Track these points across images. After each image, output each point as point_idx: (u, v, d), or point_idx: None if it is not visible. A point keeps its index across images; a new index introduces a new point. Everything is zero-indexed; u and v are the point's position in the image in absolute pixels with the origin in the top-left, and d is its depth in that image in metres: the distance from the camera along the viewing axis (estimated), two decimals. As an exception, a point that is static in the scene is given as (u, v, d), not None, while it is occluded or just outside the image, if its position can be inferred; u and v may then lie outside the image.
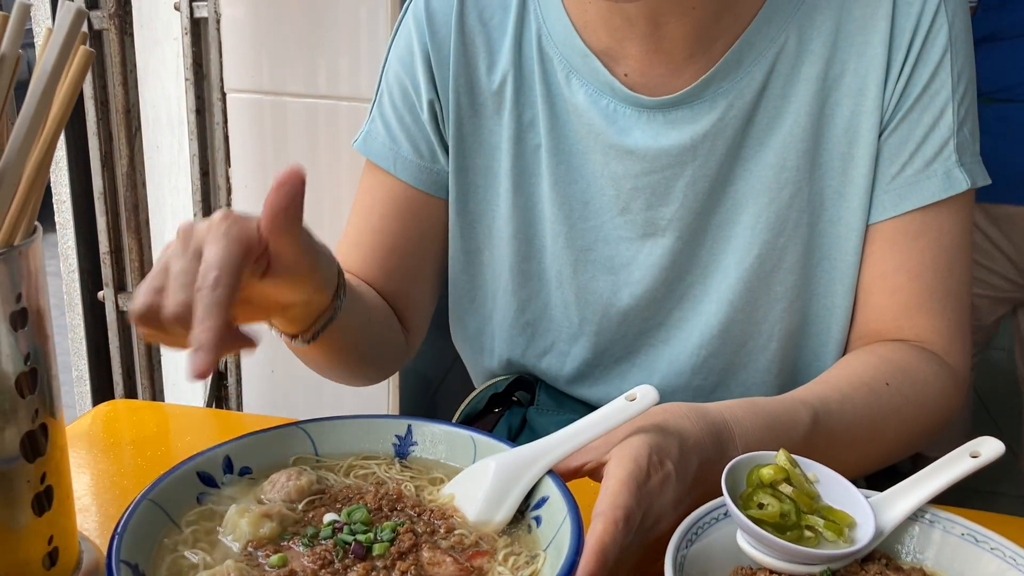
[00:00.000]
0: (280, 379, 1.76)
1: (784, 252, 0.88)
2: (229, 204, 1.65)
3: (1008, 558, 0.59)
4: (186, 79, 1.58)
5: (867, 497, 0.63)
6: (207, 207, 1.68)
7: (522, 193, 0.92)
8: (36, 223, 0.59)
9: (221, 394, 1.86)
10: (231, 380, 1.85)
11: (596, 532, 0.56)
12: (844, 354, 0.90)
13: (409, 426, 0.71)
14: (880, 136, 0.85)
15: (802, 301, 0.90)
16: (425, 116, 0.93)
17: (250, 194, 1.57)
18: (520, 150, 0.91)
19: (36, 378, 0.58)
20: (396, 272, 0.96)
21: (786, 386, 0.92)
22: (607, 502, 0.58)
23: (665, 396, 0.67)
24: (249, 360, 1.78)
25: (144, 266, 1.75)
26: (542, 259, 0.94)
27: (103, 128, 1.67)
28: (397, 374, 1.66)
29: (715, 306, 0.90)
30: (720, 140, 0.86)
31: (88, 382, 2.03)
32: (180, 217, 1.74)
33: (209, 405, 1.80)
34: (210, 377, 1.84)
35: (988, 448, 0.64)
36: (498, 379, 1.04)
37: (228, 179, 1.63)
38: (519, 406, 1.02)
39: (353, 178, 1.49)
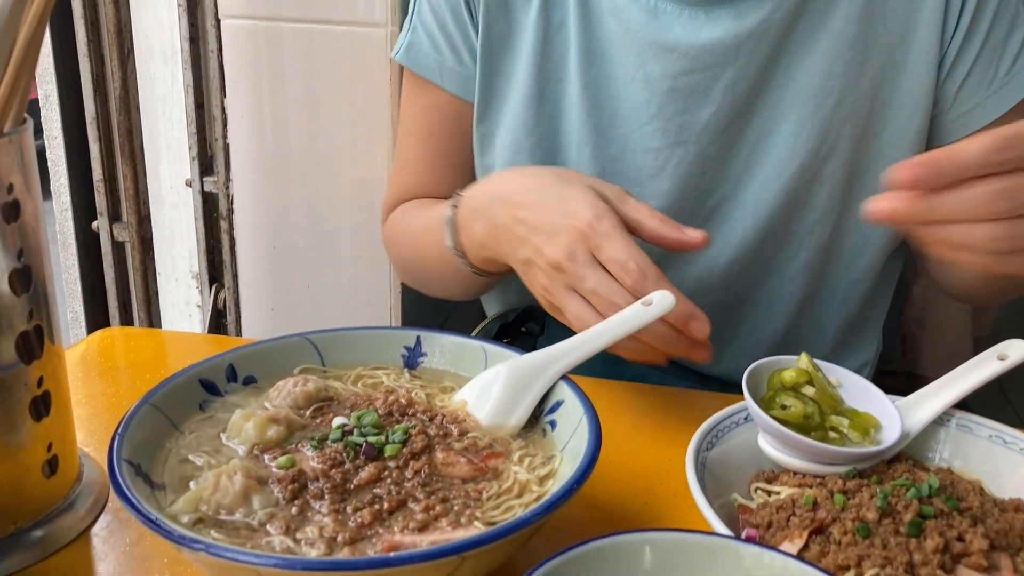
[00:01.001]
0: (279, 317, 1.74)
1: (825, 162, 0.86)
2: (225, 136, 1.61)
3: (1038, 459, 0.58)
4: (179, 4, 1.53)
5: (892, 402, 0.61)
6: (202, 139, 1.64)
7: (547, 101, 0.89)
8: (26, 115, 0.56)
9: (220, 333, 1.84)
10: (231, 318, 1.83)
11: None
12: (888, 262, 0.92)
13: (418, 337, 0.70)
14: (946, 45, 0.83)
15: (836, 213, 0.88)
16: (464, 12, 0.90)
17: (246, 125, 1.53)
18: (547, 54, 0.88)
19: (29, 276, 0.56)
20: (457, 187, 0.93)
21: (812, 296, 0.91)
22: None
23: None
24: (248, 297, 1.76)
25: (139, 194, 1.71)
26: None
27: (94, 50, 1.62)
28: (399, 318, 1.64)
29: (750, 220, 0.88)
30: (764, 41, 0.84)
31: (84, 323, 2.01)
32: (175, 150, 1.71)
33: (208, 342, 1.79)
34: (208, 315, 1.82)
35: (1016, 351, 0.62)
36: (507, 311, 1.02)
37: (224, 110, 1.59)
38: (528, 337, 1.01)
39: (352, 103, 1.46)
